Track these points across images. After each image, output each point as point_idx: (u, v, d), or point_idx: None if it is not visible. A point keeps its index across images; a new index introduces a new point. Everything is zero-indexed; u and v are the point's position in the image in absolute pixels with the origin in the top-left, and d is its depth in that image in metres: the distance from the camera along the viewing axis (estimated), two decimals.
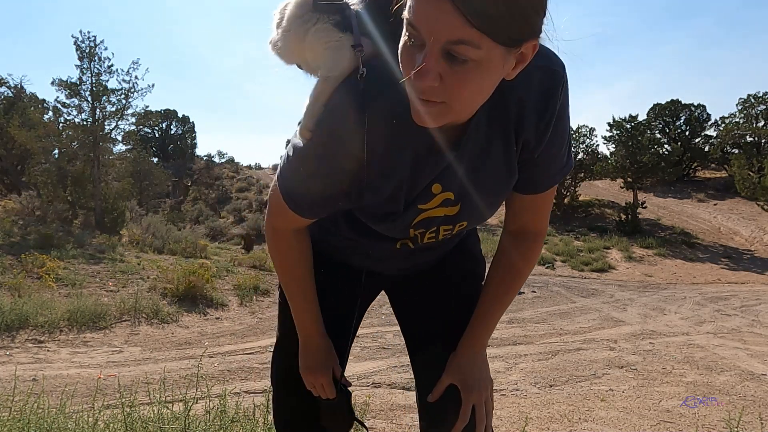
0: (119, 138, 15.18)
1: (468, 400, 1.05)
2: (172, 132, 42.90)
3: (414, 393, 1.22)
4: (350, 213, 1.00)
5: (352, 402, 1.18)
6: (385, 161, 0.86)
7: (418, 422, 1.17)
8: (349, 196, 0.91)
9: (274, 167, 44.35)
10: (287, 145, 0.96)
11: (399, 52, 0.73)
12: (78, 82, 12.52)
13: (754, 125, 21.18)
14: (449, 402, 1.06)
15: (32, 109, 14.82)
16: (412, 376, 1.18)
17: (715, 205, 19.16)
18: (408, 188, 0.90)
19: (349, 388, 1.15)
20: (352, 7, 0.86)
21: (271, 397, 1.25)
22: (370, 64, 0.82)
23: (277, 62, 0.97)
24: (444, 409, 1.06)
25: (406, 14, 0.68)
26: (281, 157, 0.95)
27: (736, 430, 2.27)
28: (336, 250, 1.14)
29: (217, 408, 2.16)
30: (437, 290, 1.17)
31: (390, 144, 0.84)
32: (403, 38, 0.71)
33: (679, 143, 21.29)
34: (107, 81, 12.75)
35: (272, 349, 1.26)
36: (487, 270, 1.17)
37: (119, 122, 13.25)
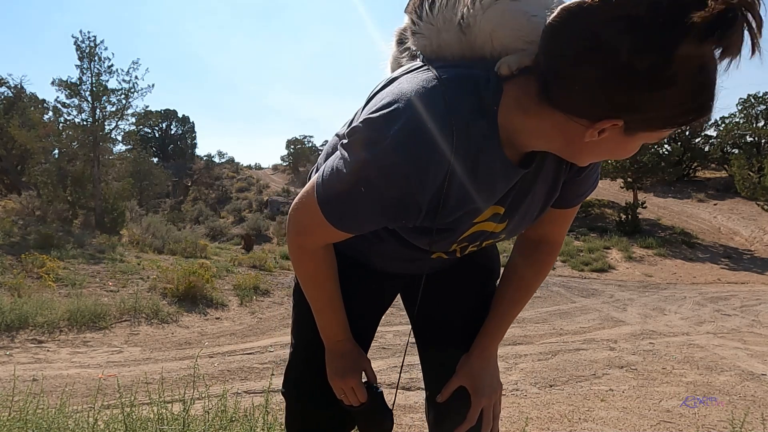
0: (119, 138, 15.26)
1: (478, 403, 1.05)
2: (172, 132, 42.96)
3: (414, 393, 1.21)
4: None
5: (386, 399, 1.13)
6: (464, 188, 0.81)
7: (425, 418, 1.17)
8: (409, 218, 0.83)
9: (274, 167, 44.36)
10: (325, 157, 0.89)
11: (624, 144, 0.74)
12: (78, 82, 12.56)
13: (754, 125, 21.18)
14: (458, 399, 1.07)
15: (32, 109, 14.86)
16: (413, 375, 1.17)
17: (715, 205, 19.15)
18: (479, 211, 0.87)
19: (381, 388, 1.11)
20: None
21: (284, 410, 1.19)
22: (449, 88, 0.78)
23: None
24: (452, 406, 1.08)
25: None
26: (321, 167, 0.85)
27: (739, 430, 2.26)
28: (357, 252, 1.09)
29: (217, 408, 2.16)
30: (453, 287, 1.16)
31: (472, 171, 0.80)
32: (644, 137, 0.73)
33: (679, 143, 21.24)
34: (107, 81, 12.81)
35: (286, 361, 1.21)
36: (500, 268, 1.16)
37: (119, 122, 13.32)
